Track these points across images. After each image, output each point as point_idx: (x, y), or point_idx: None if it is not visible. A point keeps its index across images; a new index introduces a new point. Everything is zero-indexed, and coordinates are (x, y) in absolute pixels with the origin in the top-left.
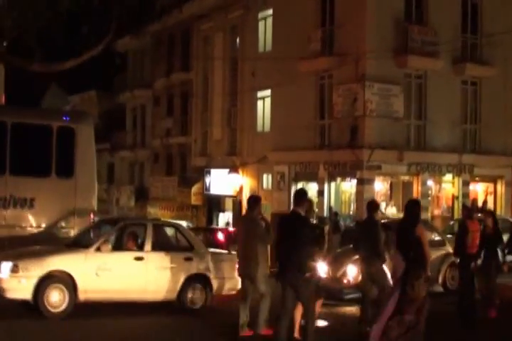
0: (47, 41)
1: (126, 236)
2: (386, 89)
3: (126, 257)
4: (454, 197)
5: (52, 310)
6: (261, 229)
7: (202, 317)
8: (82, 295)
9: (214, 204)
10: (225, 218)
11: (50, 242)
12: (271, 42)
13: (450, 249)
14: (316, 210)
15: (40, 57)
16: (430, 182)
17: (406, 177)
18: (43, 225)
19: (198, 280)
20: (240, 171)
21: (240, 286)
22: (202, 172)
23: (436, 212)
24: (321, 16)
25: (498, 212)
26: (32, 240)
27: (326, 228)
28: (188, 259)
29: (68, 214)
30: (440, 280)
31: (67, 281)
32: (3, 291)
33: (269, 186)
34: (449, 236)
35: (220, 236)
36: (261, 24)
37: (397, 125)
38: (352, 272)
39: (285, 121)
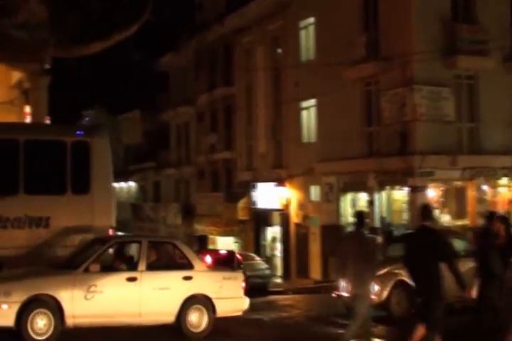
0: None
1: (117, 255)
2: (435, 92)
3: (117, 278)
4: (511, 202)
5: (37, 338)
6: (373, 246)
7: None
8: (69, 321)
9: (261, 218)
10: (272, 232)
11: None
12: (313, 51)
13: None
14: (368, 220)
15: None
16: (485, 187)
17: (459, 183)
18: (59, 244)
19: (199, 301)
20: (287, 184)
21: (246, 307)
22: (248, 187)
23: None
24: (365, 21)
25: None
26: (47, 260)
27: (379, 239)
28: (188, 278)
29: (85, 232)
30: None
31: (53, 306)
32: None
33: (317, 198)
34: None
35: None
36: (302, 33)
37: (449, 128)
38: (375, 289)
39: (331, 130)
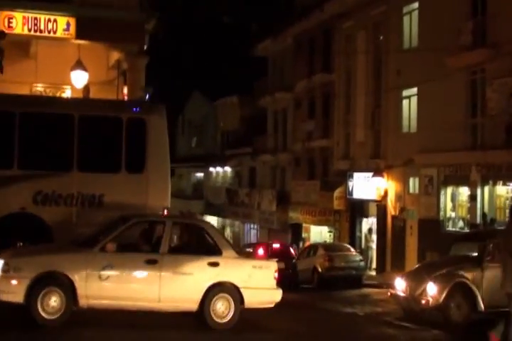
0: None
1: (142, 236)
2: None
3: (135, 259)
4: None
5: (47, 317)
6: None
7: (228, 333)
8: (82, 301)
9: (357, 209)
10: (368, 223)
11: None
12: (417, 38)
13: None
14: (468, 216)
15: None
16: None
17: None
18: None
19: (225, 289)
20: (385, 174)
21: (278, 299)
22: (344, 176)
23: None
24: (472, 6)
25: None
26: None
27: None
28: (214, 265)
29: (139, 211)
30: None
31: (65, 284)
32: None
33: (416, 190)
34: None
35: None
36: (406, 19)
37: None
38: (432, 290)
39: (433, 120)
